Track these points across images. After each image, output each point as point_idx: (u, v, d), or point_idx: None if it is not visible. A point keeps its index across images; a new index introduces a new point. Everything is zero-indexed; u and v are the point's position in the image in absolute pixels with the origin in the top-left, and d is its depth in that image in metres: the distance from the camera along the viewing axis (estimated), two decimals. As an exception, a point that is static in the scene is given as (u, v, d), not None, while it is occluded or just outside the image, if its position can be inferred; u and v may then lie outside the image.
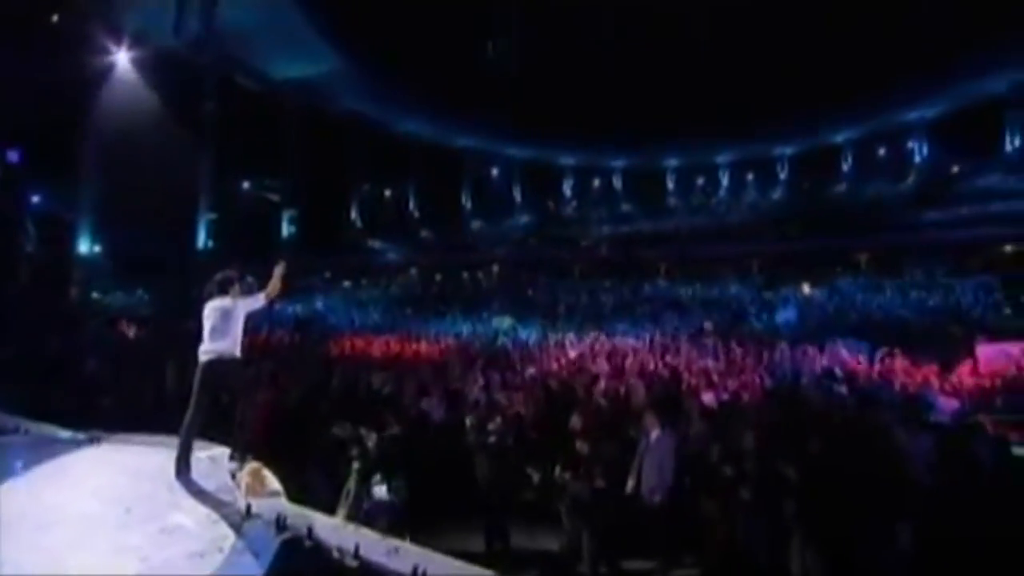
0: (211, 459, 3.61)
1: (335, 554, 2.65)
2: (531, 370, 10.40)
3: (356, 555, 2.61)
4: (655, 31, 19.07)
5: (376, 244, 30.50)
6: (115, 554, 2.64)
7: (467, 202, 33.50)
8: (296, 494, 3.38)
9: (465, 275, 28.55)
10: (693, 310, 19.84)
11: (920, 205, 22.89)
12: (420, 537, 3.60)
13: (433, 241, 30.79)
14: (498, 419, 5.90)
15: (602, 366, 10.70)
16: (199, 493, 3.21)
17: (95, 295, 21.04)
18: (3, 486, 3.19)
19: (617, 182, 33.54)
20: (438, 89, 22.70)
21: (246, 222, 25.97)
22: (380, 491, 4.31)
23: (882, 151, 27.57)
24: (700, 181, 32.10)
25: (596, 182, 33.76)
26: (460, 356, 13.11)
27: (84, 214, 21.55)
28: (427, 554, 2.70)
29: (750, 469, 4.77)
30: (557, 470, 5.27)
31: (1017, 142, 23.15)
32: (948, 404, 7.09)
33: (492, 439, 5.50)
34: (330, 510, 3.87)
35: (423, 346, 15.22)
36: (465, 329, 19.20)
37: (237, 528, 2.84)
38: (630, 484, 5.11)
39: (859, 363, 10.41)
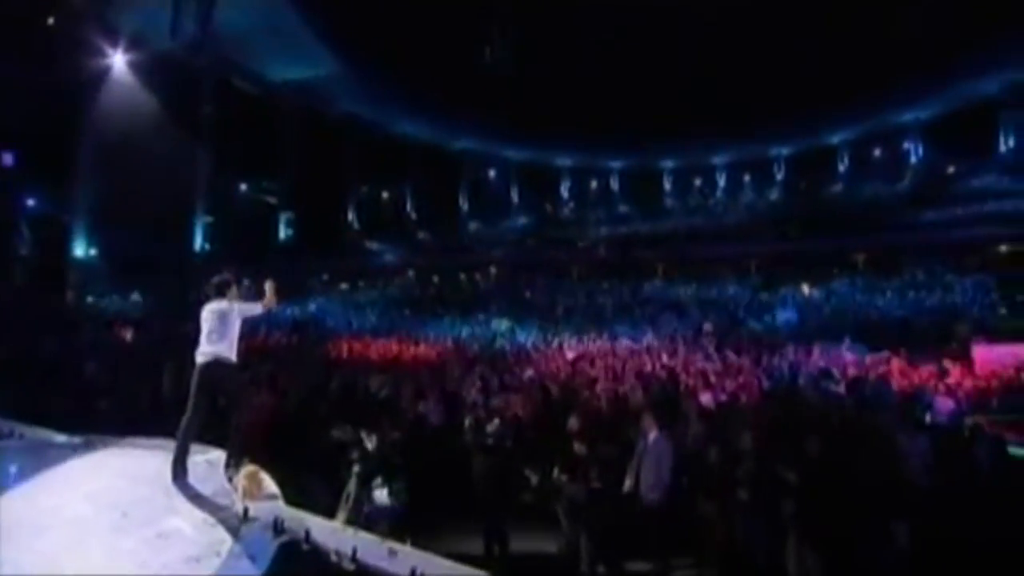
0: (208, 463, 3.59)
1: (333, 557, 2.64)
2: (529, 372, 10.40)
3: (354, 558, 2.60)
4: (652, 32, 19.12)
5: (374, 246, 30.46)
6: (111, 559, 2.63)
7: (464, 204, 33.51)
8: (294, 497, 3.37)
9: (463, 277, 28.53)
10: (691, 311, 19.87)
11: (916, 206, 22.99)
12: (419, 540, 3.59)
13: (431, 243, 30.78)
14: (496, 421, 5.89)
15: (600, 368, 10.70)
16: (196, 497, 3.19)
17: (91, 298, 20.96)
18: (-2, 491, 3.17)
19: (614, 183, 33.62)
20: (435, 91, 22.72)
21: (243, 224, 25.94)
22: (381, 495, 4.28)
23: (878, 152, 27.70)
24: (697, 182, 32.18)
25: (593, 183, 33.84)
26: (458, 358, 13.11)
27: (80, 217, 21.48)
28: (425, 557, 2.69)
29: (748, 470, 4.78)
30: (555, 472, 5.26)
31: (1011, 143, 23.28)
32: (944, 405, 7.11)
33: (490, 441, 5.50)
34: (329, 514, 3.85)
35: (421, 348, 15.21)
36: (463, 331, 19.19)
37: (234, 532, 2.82)
38: (628, 484, 5.11)
39: (856, 366, 10.44)
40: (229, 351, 3.60)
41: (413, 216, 32.98)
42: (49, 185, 20.65)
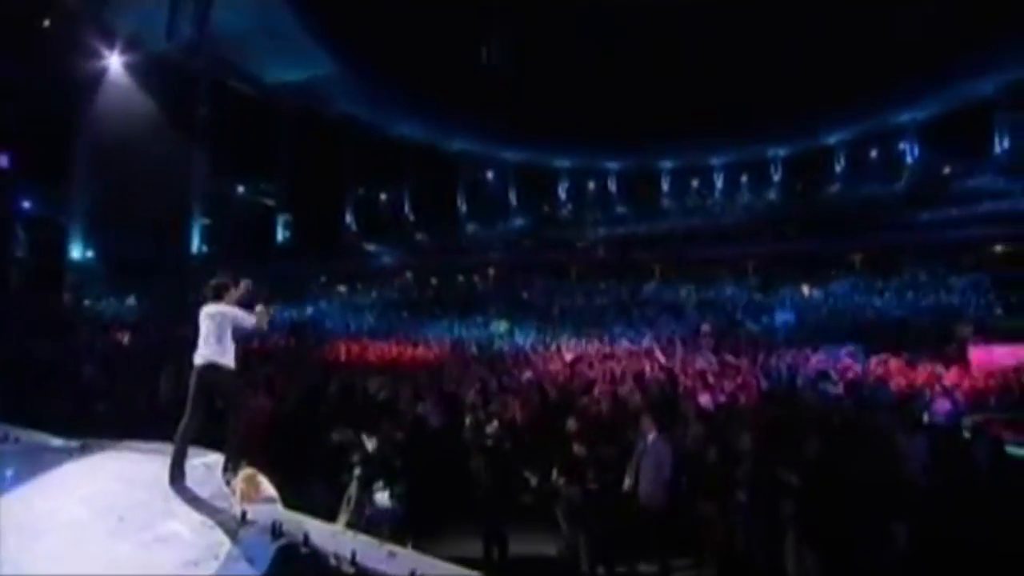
0: (206, 466, 3.57)
1: (332, 560, 2.63)
2: (528, 373, 10.39)
3: (353, 561, 2.59)
4: (649, 34, 19.18)
5: (371, 248, 30.44)
6: (109, 563, 2.61)
7: (462, 205, 33.52)
8: (294, 501, 3.36)
9: (461, 278, 28.53)
10: (689, 312, 19.90)
11: (913, 206, 23.07)
12: (419, 543, 3.58)
13: (428, 244, 30.78)
14: (495, 422, 5.88)
15: (598, 369, 10.70)
16: (193, 500, 3.18)
17: (88, 301, 20.88)
18: (-6, 495, 3.14)
19: (612, 184, 33.67)
20: (433, 92, 22.73)
21: (241, 226, 25.91)
22: (382, 497, 4.26)
23: (874, 152, 27.81)
24: (695, 183, 32.24)
25: (591, 184, 33.88)
26: (456, 360, 13.10)
27: (76, 219, 21.42)
28: (424, 559, 2.68)
29: (747, 471, 4.78)
30: (554, 474, 5.26)
31: (1006, 143, 23.41)
32: (942, 405, 7.13)
33: (490, 442, 5.49)
34: (330, 517, 3.83)
35: (419, 350, 15.18)
36: (461, 333, 19.18)
37: (232, 535, 2.81)
38: (627, 483, 5.10)
39: (855, 367, 10.46)
40: (227, 354, 3.59)
41: (411, 218, 32.98)
42: (45, 187, 20.60)
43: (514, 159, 32.70)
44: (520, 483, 5.50)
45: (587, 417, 6.25)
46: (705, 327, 16.78)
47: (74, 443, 3.96)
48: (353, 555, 2.60)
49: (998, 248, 20.47)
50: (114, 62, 19.86)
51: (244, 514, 2.96)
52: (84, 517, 2.96)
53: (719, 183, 31.93)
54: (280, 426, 5.67)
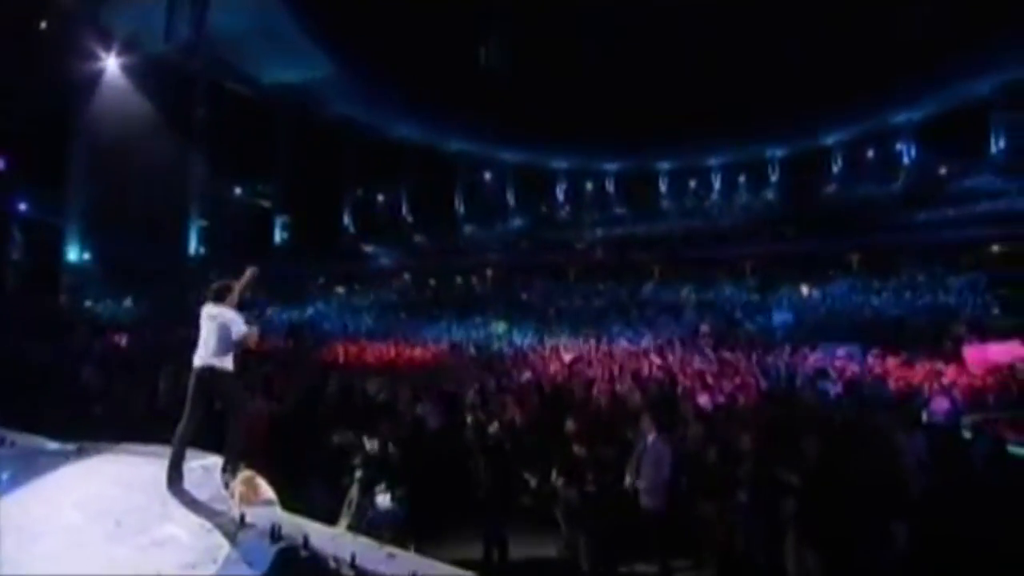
0: (204, 468, 3.55)
1: (331, 563, 2.61)
2: (527, 374, 10.39)
3: (353, 564, 2.57)
4: (647, 35, 19.21)
5: (369, 249, 30.41)
6: (106, 566, 2.59)
7: (460, 206, 33.50)
8: (293, 503, 3.34)
9: (459, 279, 28.52)
10: (688, 313, 19.92)
11: (909, 206, 23.14)
12: (419, 545, 3.56)
13: (426, 246, 30.75)
14: (496, 423, 5.87)
15: (597, 370, 10.70)
16: (192, 503, 3.15)
17: (89, 302, 20.82)
18: (-10, 499, 3.12)
19: (610, 185, 33.68)
20: (430, 93, 22.72)
21: (238, 228, 25.84)
22: (384, 500, 4.23)
23: (871, 153, 27.89)
24: (692, 184, 32.28)
25: (589, 185, 33.88)
26: (455, 361, 13.08)
27: (73, 221, 21.36)
28: (425, 562, 2.67)
29: (747, 471, 4.78)
30: (553, 475, 5.24)
31: (1002, 143, 23.50)
32: (941, 403, 7.14)
33: (491, 443, 5.47)
34: (329, 519, 3.81)
35: (417, 351, 15.17)
36: (459, 334, 19.16)
37: (231, 538, 2.79)
38: (628, 482, 5.10)
39: (854, 367, 10.47)
40: (226, 356, 3.57)
41: (409, 219, 32.96)
42: (42, 189, 20.53)
43: (512, 160, 32.70)
44: (520, 484, 5.49)
45: (586, 417, 6.25)
46: (704, 327, 16.80)
47: (71, 446, 3.94)
48: (353, 558, 2.58)
49: (995, 248, 20.54)
50: (111, 63, 19.82)
51: (243, 517, 2.94)
52: (81, 521, 2.94)
53: (717, 184, 31.96)
54: (279, 428, 5.64)
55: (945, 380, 8.81)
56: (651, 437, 5.16)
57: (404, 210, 33.11)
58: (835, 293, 20.49)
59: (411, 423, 6.33)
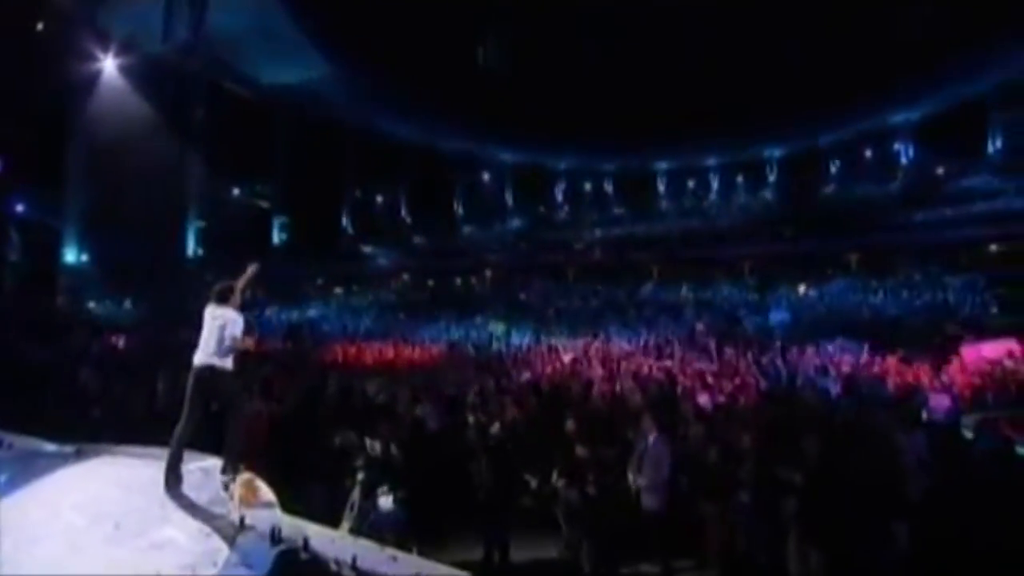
0: (203, 471, 3.52)
1: (332, 566, 2.59)
2: (526, 374, 10.37)
3: (354, 566, 2.56)
4: (645, 35, 19.21)
5: (368, 250, 30.39)
6: (105, 569, 2.57)
7: (459, 207, 33.47)
8: (293, 505, 3.32)
9: (458, 280, 28.51)
10: (686, 313, 19.93)
11: (907, 206, 23.19)
12: (420, 547, 3.54)
13: (425, 246, 30.74)
14: (497, 424, 5.86)
15: (597, 370, 10.69)
16: (190, 506, 3.13)
17: (84, 304, 20.76)
18: (-13, 502, 3.09)
19: (608, 185, 33.67)
20: (429, 93, 22.70)
21: (237, 229, 25.78)
22: (386, 502, 4.21)
23: (869, 153, 27.93)
24: (691, 184, 32.30)
25: (588, 186, 33.88)
26: (454, 362, 13.06)
27: (71, 222, 21.31)
28: (426, 564, 2.65)
29: (748, 471, 4.77)
30: (554, 475, 5.23)
31: (1000, 143, 23.56)
32: (940, 402, 7.14)
33: (493, 443, 5.46)
34: (330, 521, 3.80)
35: (416, 352, 15.14)
36: (458, 334, 19.15)
37: (231, 541, 2.77)
38: (631, 481, 5.09)
39: (853, 363, 10.47)
40: (226, 357, 3.56)
41: (407, 219, 32.93)
42: (40, 190, 20.48)
43: (511, 160, 32.69)
44: (521, 485, 5.48)
45: (586, 417, 6.24)
46: (699, 326, 16.83)
47: (69, 448, 3.91)
48: (354, 560, 2.56)
49: (992, 247, 20.61)
50: (109, 64, 19.76)
51: (243, 519, 2.92)
52: (79, 524, 2.91)
53: (715, 184, 31.97)
54: (278, 429, 5.62)
55: (944, 378, 8.82)
56: (652, 437, 5.16)
57: (403, 210, 33.09)
58: (833, 293, 20.52)
59: (411, 424, 6.31)
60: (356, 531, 3.85)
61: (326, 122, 27.45)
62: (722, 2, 17.93)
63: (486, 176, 33.80)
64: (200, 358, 3.53)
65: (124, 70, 19.86)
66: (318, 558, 2.63)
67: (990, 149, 23.85)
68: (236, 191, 28.42)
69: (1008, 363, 9.27)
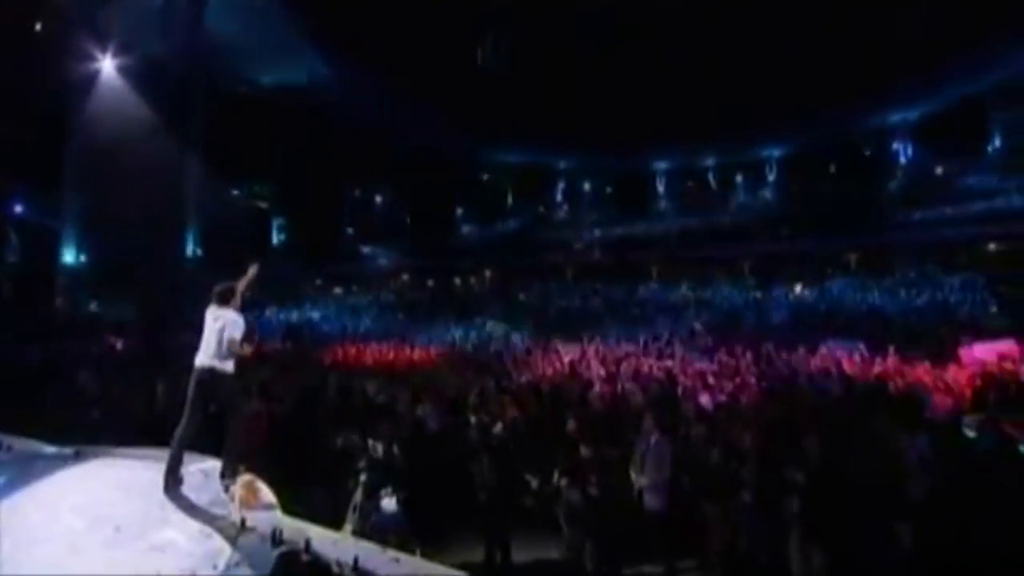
0: (203, 472, 3.51)
1: (334, 568, 2.57)
2: (526, 375, 10.36)
3: (355, 568, 2.54)
4: (645, 34, 19.19)
5: (367, 250, 30.35)
6: (105, 572, 2.55)
7: (458, 207, 33.45)
8: (294, 507, 3.30)
9: (457, 280, 28.49)
10: (686, 312, 19.94)
11: (906, 205, 23.21)
12: (423, 549, 3.52)
13: (424, 246, 30.71)
14: (500, 425, 5.84)
15: (597, 370, 10.67)
16: (191, 508, 3.12)
17: (82, 305, 20.71)
18: (-14, 505, 3.07)
19: (608, 185, 33.66)
20: (428, 93, 22.68)
21: (236, 229, 25.71)
22: (389, 503, 4.20)
23: (868, 152, 27.94)
24: (690, 183, 32.29)
25: (587, 185, 33.86)
26: (454, 363, 13.05)
27: (69, 223, 21.24)
28: (429, 566, 2.64)
29: (750, 471, 4.76)
30: (555, 476, 5.22)
31: (999, 142, 23.58)
32: (942, 402, 7.13)
33: (495, 443, 5.44)
34: (331, 523, 3.78)
35: (416, 353, 15.12)
36: (458, 335, 19.13)
37: (232, 542, 2.76)
38: (634, 480, 5.07)
39: (854, 362, 10.47)
40: (227, 359, 3.54)
41: (407, 219, 32.89)
42: (38, 191, 20.44)
43: (510, 160, 32.66)
44: (522, 486, 5.46)
45: (588, 418, 6.22)
46: (698, 326, 16.83)
47: (68, 450, 3.89)
48: (356, 562, 2.55)
49: (992, 246, 20.63)
50: (107, 65, 19.70)
51: (243, 521, 2.90)
52: (79, 526, 2.89)
53: (714, 183, 31.98)
54: (279, 430, 5.60)
55: (946, 378, 8.81)
56: (654, 437, 5.14)
57: (402, 211, 33.06)
58: (832, 292, 20.54)
59: (411, 425, 6.29)
60: (358, 533, 3.83)
61: (326, 122, 27.41)
62: (722, 2, 17.92)
63: (485, 176, 33.78)
64: (201, 360, 3.52)
65: (123, 70, 19.80)
66: (319, 560, 2.62)
67: (989, 148, 23.88)
68: (235, 191, 28.36)
69: (1008, 364, 9.26)
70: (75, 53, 18.87)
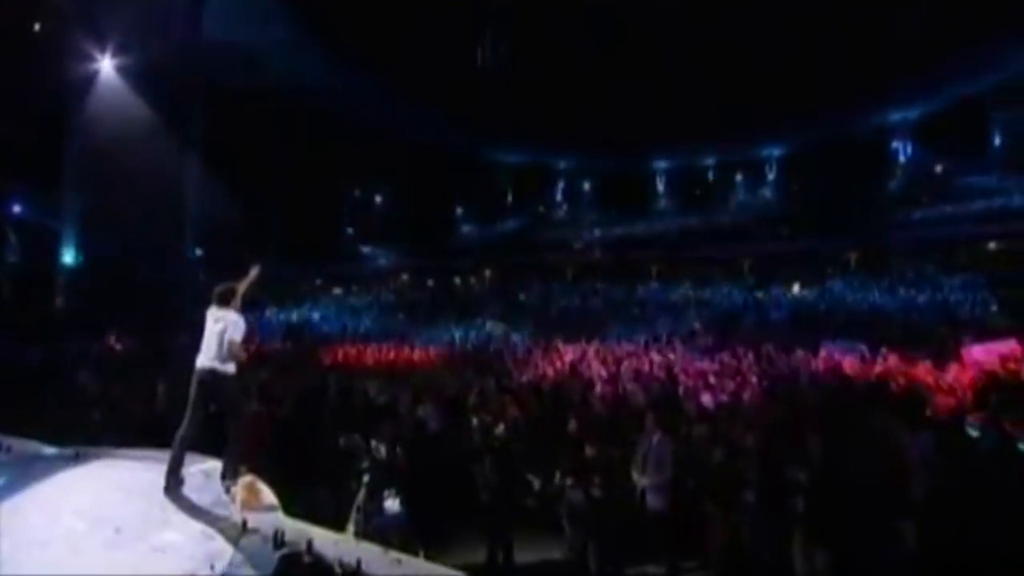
0: (204, 473, 3.50)
1: (336, 569, 2.56)
2: (526, 375, 10.35)
3: (358, 570, 2.53)
4: (645, 34, 19.18)
5: (367, 250, 30.33)
6: (105, 574, 2.54)
7: (458, 207, 33.43)
8: (296, 508, 3.29)
9: (457, 280, 28.47)
10: (686, 312, 19.93)
11: (906, 204, 23.21)
12: (425, 550, 3.51)
13: (424, 246, 30.69)
14: (502, 425, 5.83)
15: (598, 370, 10.66)
16: (192, 509, 3.11)
17: (82, 306, 20.68)
18: (-14, 506, 3.06)
19: (608, 185, 33.65)
20: (428, 93, 22.66)
21: (235, 230, 25.69)
22: (392, 504, 4.18)
23: (867, 152, 27.91)
24: (690, 183, 32.29)
25: (587, 185, 33.86)
26: (454, 363, 13.04)
27: (69, 223, 21.21)
28: (431, 567, 2.63)
29: (752, 470, 4.74)
30: (557, 476, 5.21)
31: (998, 141, 23.58)
32: (944, 402, 7.12)
33: (497, 444, 5.43)
34: (334, 525, 3.77)
35: (416, 353, 15.11)
36: (458, 335, 19.12)
37: (233, 544, 2.75)
38: (636, 480, 5.06)
39: (855, 362, 10.46)
40: (228, 360, 3.53)
41: (407, 220, 32.86)
42: (37, 191, 20.42)
43: (510, 160, 32.66)
44: (524, 486, 5.45)
45: (589, 417, 6.21)
46: (698, 326, 16.83)
47: (68, 451, 3.88)
48: (358, 563, 2.54)
49: (992, 245, 20.62)
50: (106, 65, 19.66)
51: (245, 522, 2.89)
52: (80, 528, 2.88)
53: (714, 183, 31.97)
54: (280, 431, 5.58)
55: (948, 377, 8.80)
56: (656, 437, 5.13)
57: (402, 211, 33.03)
58: (833, 291, 20.53)
59: (412, 426, 6.27)
60: (361, 534, 3.82)
61: (325, 122, 27.38)
62: (722, 2, 17.91)
63: (486, 176, 33.76)
64: (202, 361, 3.51)
65: (122, 70, 19.76)
66: (321, 561, 2.61)
67: (989, 148, 23.88)
68: (235, 191, 28.31)
69: (1010, 364, 9.24)
70: (74, 53, 18.83)
